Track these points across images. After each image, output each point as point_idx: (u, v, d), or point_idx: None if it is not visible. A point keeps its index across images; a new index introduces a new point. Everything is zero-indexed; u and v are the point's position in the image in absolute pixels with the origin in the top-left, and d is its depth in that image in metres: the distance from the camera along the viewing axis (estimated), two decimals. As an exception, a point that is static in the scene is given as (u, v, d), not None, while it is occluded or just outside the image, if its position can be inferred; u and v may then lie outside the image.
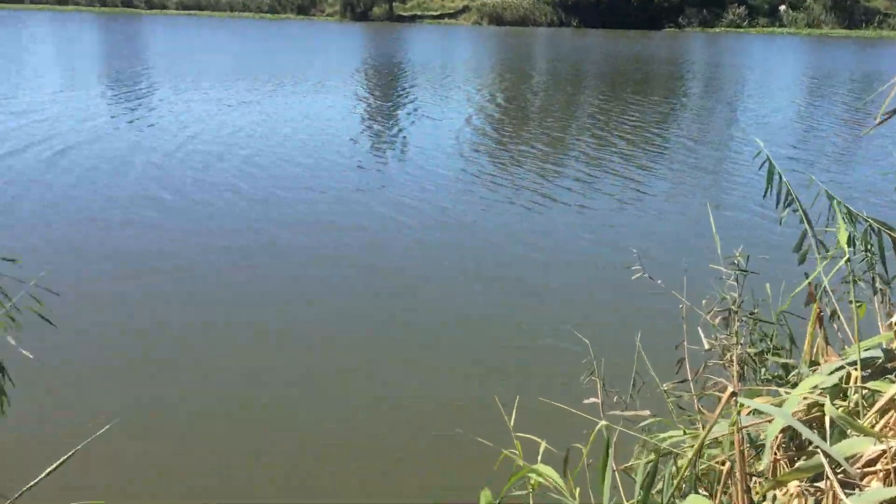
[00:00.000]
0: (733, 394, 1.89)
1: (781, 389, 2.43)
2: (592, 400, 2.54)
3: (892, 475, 1.89)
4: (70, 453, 1.94)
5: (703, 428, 2.10)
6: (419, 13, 78.43)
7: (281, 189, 13.36)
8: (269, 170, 14.73)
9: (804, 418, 2.21)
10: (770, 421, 2.09)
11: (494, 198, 13.32)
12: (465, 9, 78.72)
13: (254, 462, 5.76)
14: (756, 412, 2.17)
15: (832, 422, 2.03)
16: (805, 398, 2.22)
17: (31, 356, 3.34)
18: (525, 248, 10.76)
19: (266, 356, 7.43)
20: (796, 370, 2.69)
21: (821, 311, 2.70)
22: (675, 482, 1.87)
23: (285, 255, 10.21)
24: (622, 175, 15.41)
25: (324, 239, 10.90)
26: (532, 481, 2.29)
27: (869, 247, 2.55)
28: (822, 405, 2.12)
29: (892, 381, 2.22)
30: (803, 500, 1.95)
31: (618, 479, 2.27)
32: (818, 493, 1.93)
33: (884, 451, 1.91)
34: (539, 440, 2.30)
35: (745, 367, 2.84)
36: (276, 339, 7.84)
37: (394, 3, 77.06)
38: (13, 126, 17.85)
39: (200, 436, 6.08)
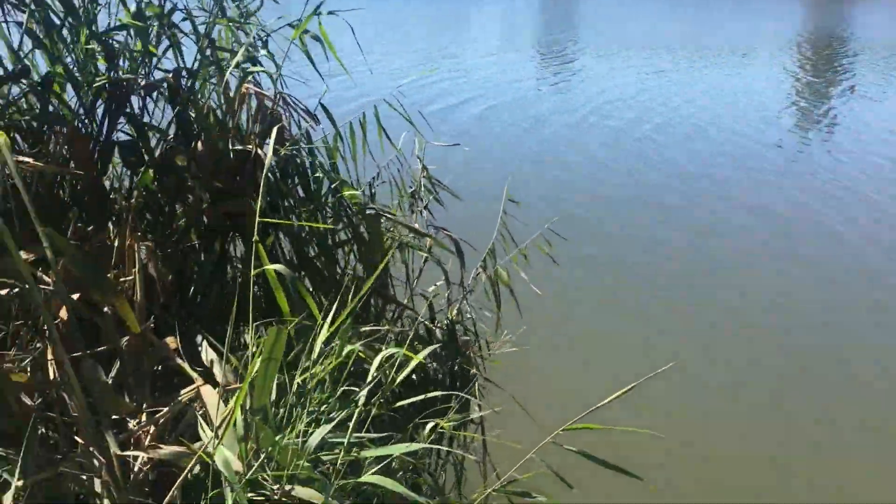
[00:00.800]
0: None
1: None
2: None
3: None
4: (631, 385, 2.02)
5: None
6: (871, -18, 69.39)
7: (688, 162, 13.02)
8: (679, 141, 14.47)
9: None
10: None
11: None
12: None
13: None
14: None
15: None
16: None
17: (539, 292, 3.74)
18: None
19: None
20: None
21: None
22: None
23: (678, 232, 10.03)
24: None
25: (726, 224, 10.45)
26: None
27: None
28: None
29: None
30: None
31: None
32: None
33: None
34: None
35: None
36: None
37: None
38: (457, 78, 20.10)
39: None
